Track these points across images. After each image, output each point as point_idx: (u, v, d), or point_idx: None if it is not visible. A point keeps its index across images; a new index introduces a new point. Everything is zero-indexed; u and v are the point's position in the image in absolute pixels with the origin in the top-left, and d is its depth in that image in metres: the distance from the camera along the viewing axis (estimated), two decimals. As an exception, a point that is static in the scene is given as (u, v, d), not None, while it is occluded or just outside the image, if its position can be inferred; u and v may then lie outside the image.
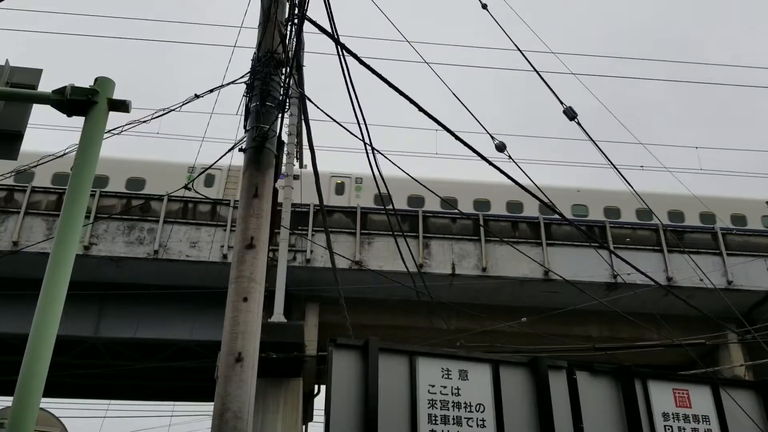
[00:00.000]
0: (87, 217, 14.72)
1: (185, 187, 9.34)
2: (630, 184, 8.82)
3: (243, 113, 7.27)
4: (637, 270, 10.70)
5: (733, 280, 16.82)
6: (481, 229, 16.62)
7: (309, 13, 7.18)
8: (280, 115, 7.16)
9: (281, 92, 7.20)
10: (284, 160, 14.72)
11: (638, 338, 16.17)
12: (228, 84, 7.55)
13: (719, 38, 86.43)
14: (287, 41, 7.12)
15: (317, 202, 9.81)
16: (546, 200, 8.49)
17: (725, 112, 79.74)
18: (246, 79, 7.31)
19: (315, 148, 8.34)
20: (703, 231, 18.21)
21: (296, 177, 15.74)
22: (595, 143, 8.43)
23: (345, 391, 5.73)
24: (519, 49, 8.81)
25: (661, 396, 6.56)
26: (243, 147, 6.74)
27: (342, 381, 5.77)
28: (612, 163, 8.83)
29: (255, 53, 7.21)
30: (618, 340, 16.77)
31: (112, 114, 4.34)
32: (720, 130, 78.21)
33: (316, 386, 17.26)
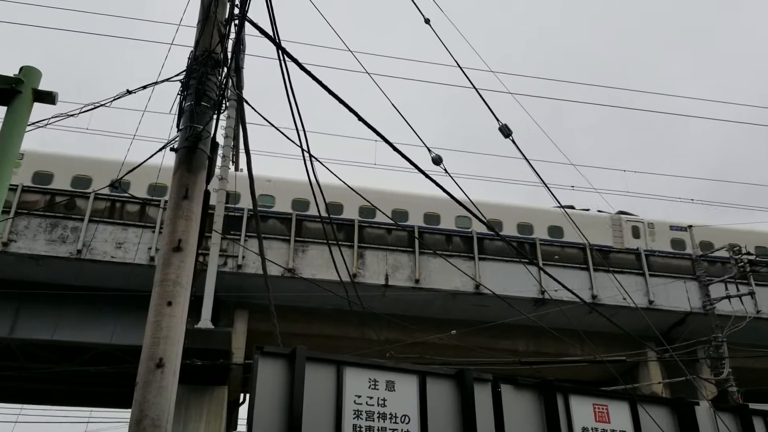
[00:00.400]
0: (6, 212, 14.03)
1: (112, 185, 8.98)
2: (559, 201, 9.04)
3: (177, 112, 7.09)
4: (564, 287, 10.97)
5: (654, 300, 17.46)
6: (416, 241, 16.73)
7: (252, 16, 7.08)
8: (215, 116, 7.01)
9: (218, 93, 7.06)
10: (219, 163, 14.48)
11: (563, 353, 16.58)
12: (162, 81, 7.34)
13: (651, 67, 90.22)
14: (226, 41, 6.98)
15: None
16: (480, 215, 8.60)
17: (653, 138, 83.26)
18: (182, 77, 7.13)
19: (252, 152, 8.21)
20: (627, 252, 18.87)
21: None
22: (528, 161, 8.62)
23: (269, 400, 5.62)
24: (459, 65, 8.93)
25: (582, 410, 6.71)
26: (175, 147, 6.56)
27: (267, 389, 5.66)
28: (544, 182, 9.04)
29: (192, 52, 7.05)
30: (543, 355, 17.14)
31: (38, 106, 4.16)
32: (646, 155, 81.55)
33: (242, 395, 16.93)
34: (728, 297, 16.50)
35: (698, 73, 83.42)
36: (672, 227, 22.87)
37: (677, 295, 17.60)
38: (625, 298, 14.59)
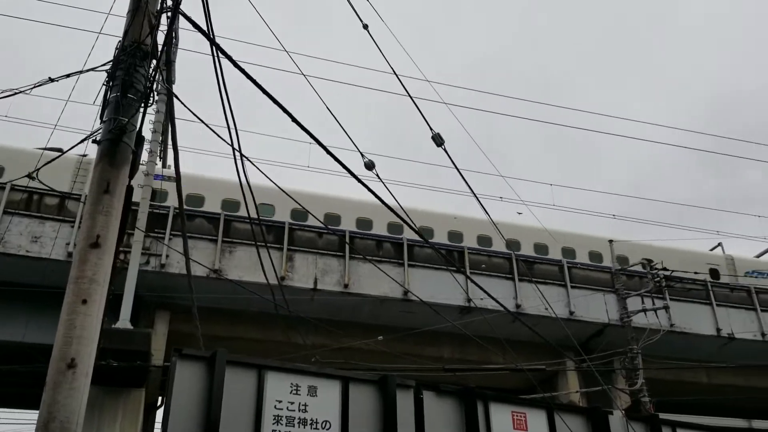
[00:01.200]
0: None
1: (29, 176, 8.55)
2: (487, 212, 9.19)
3: (102, 103, 6.83)
4: (489, 295, 11.15)
5: (575, 311, 17.99)
6: (347, 246, 16.68)
7: (190, 11, 6.90)
8: (142, 110, 6.79)
9: (146, 85, 6.84)
10: (146, 158, 14.03)
11: (487, 361, 16.87)
12: (87, 71, 7.07)
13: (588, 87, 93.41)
14: (156, 32, 6.77)
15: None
16: (410, 222, 8.65)
17: (580, 155, 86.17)
18: (109, 67, 6.88)
19: (182, 148, 7.99)
20: (551, 263, 19.37)
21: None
22: (458, 170, 8.72)
23: (186, 404, 5.47)
24: (394, 72, 8.97)
25: (501, 417, 6.83)
26: (98, 139, 6.31)
27: (184, 393, 5.50)
28: (473, 192, 9.17)
29: (120, 41, 6.81)
30: (468, 362, 17.39)
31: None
32: (574, 171, 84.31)
33: (161, 398, 16.44)
34: (644, 310, 17.17)
35: (630, 96, 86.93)
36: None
37: (597, 307, 18.19)
38: (546, 308, 14.97)
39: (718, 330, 19.14)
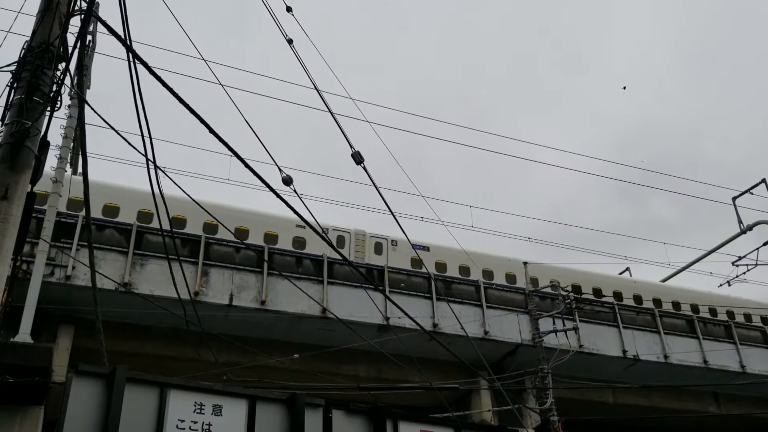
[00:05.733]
0: None
1: None
2: (404, 231, 9.28)
3: (4, 105, 6.51)
4: (406, 315, 11.25)
5: (489, 331, 18.33)
6: (265, 263, 16.41)
7: (111, 19, 6.67)
8: (48, 114, 6.52)
9: (53, 89, 6.57)
10: (55, 165, 13.42)
11: (403, 380, 16.93)
12: (-11, 70, 6.69)
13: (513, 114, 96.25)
14: (65, 34, 6.52)
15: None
16: (325, 237, 8.62)
17: (501, 179, 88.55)
18: (14, 68, 6.57)
19: (96, 156, 7.70)
20: (468, 283, 19.70)
21: None
22: (377, 188, 8.78)
23: (82, 424, 5.21)
24: (316, 88, 8.98)
25: (410, 437, 6.84)
26: (-2, 141, 5.99)
27: (80, 412, 5.24)
28: (391, 211, 9.24)
29: (27, 42, 6.53)
30: (383, 381, 17.40)
31: None
32: (495, 195, 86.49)
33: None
34: (555, 331, 17.66)
35: (549, 124, 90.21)
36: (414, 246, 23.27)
37: (510, 327, 18.60)
38: (463, 327, 15.18)
39: (624, 351, 19.92)
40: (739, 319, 27.39)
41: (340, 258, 17.31)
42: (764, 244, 27.77)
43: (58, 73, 6.64)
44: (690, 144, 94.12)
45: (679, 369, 20.71)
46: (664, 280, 31.94)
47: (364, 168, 8.75)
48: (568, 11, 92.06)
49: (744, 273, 27.56)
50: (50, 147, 7.09)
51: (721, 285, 29.00)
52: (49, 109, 6.52)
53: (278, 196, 7.53)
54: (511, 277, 24.75)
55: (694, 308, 26.93)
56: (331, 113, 8.97)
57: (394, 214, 9.19)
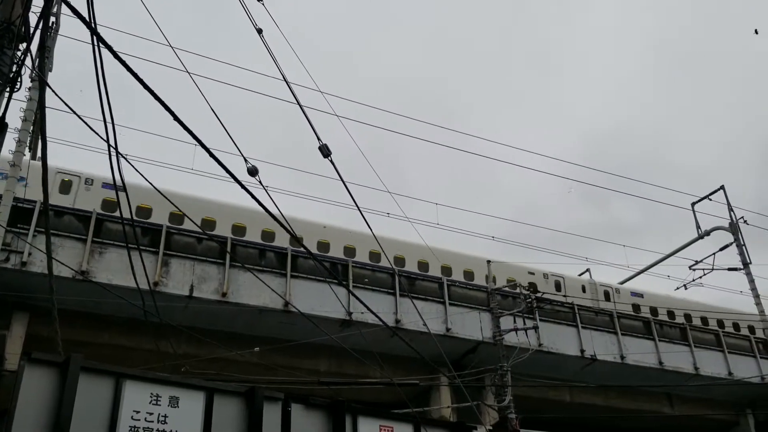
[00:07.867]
0: None
1: None
2: (371, 227, 9.27)
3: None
4: (369, 310, 11.23)
5: (451, 328, 18.43)
6: (227, 254, 16.23)
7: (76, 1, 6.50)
8: (7, 95, 6.35)
9: (13, 70, 6.39)
10: (14, 148, 13.08)
11: (364, 375, 16.91)
12: (-54, 47, 6.47)
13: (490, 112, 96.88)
14: (27, 13, 6.35)
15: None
16: (291, 230, 8.55)
17: (469, 178, 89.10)
18: (-28, 46, 6.37)
19: (57, 141, 7.51)
20: (431, 280, 19.79)
21: None
22: (344, 182, 8.75)
23: (34, 413, 5.08)
24: (285, 80, 8.89)
25: (369, 431, 6.84)
26: (-49, 121, 5.81)
27: (32, 401, 5.12)
28: (357, 206, 9.22)
29: (-14, 20, 6.32)
30: (344, 376, 17.36)
31: None
32: (462, 193, 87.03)
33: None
34: (515, 329, 17.85)
35: (520, 125, 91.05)
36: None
37: (472, 325, 18.73)
38: (425, 324, 15.24)
39: (582, 351, 20.24)
40: (696, 322, 28.06)
41: (305, 252, 17.29)
42: (720, 249, 28.54)
43: (19, 53, 6.47)
44: (656, 149, 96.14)
45: (635, 369, 21.13)
46: (623, 282, 32.55)
47: (331, 161, 8.70)
48: (541, 13, 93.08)
49: (700, 277, 28.30)
50: (8, 129, 6.91)
51: (677, 288, 29.75)
52: (8, 90, 6.35)
53: (242, 186, 7.43)
54: (468, 274, 24.92)
55: (653, 310, 27.58)
56: (299, 104, 8.90)
57: (361, 209, 9.16)
